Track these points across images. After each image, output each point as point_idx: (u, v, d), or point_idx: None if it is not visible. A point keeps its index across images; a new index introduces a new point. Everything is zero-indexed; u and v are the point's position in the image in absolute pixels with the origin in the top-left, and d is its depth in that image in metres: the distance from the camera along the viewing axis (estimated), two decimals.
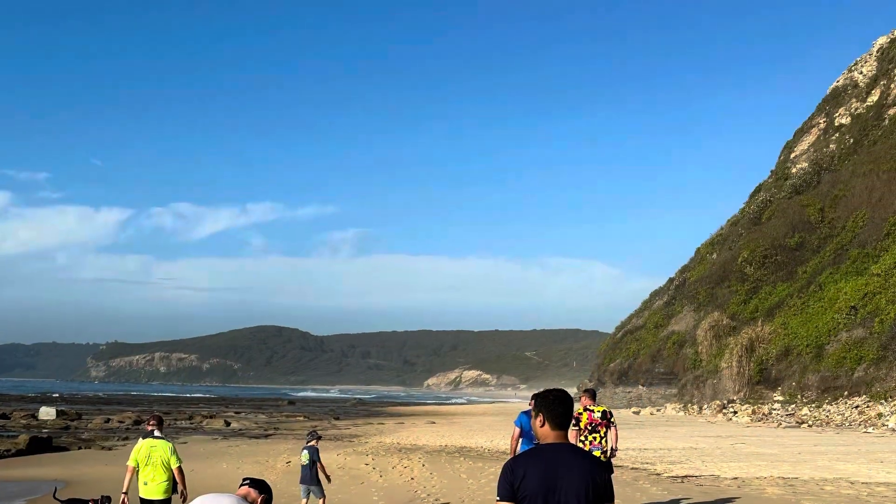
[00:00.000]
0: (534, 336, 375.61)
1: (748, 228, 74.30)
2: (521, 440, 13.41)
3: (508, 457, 13.09)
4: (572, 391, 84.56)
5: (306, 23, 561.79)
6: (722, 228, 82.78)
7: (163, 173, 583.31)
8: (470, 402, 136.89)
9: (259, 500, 5.45)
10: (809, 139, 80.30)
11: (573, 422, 12.52)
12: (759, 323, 58.59)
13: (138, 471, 10.81)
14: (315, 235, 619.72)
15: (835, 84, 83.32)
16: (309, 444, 14.89)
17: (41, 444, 31.50)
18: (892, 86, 72.11)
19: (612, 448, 13.48)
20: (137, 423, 48.09)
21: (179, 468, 10.80)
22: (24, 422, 48.68)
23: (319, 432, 16.82)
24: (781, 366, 54.21)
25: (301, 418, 61.87)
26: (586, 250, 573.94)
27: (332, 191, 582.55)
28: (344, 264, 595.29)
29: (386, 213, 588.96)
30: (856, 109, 76.22)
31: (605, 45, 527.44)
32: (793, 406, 48.84)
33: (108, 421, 50.26)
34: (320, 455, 15.02)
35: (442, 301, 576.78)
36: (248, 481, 5.51)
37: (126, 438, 37.48)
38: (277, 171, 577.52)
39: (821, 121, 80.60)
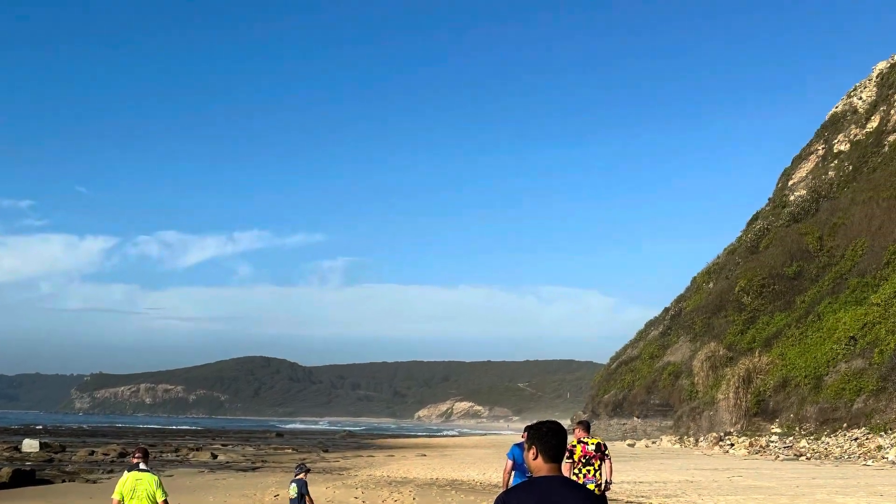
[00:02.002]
0: (527, 367, 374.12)
1: (745, 257, 73.95)
2: (513, 473, 13.33)
3: (501, 490, 13.14)
4: (566, 423, 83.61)
5: (294, 49, 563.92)
6: (719, 257, 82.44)
7: (148, 201, 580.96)
8: (461, 435, 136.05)
9: None
10: (808, 166, 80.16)
11: (567, 454, 12.55)
12: (757, 353, 58.15)
13: None
14: (303, 264, 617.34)
15: (834, 110, 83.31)
16: (297, 477, 14.72)
17: (24, 478, 31.29)
18: (892, 112, 71.92)
19: (606, 481, 13.46)
20: (122, 455, 47.97)
21: (165, 501, 10.65)
22: (6, 454, 48.23)
23: (308, 465, 16.61)
24: (779, 397, 53.73)
25: (289, 451, 61.35)
26: (581, 279, 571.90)
27: (321, 219, 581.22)
28: (333, 294, 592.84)
29: (376, 242, 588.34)
30: (855, 136, 76.10)
31: (598, 70, 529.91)
32: (791, 438, 48.56)
33: (92, 453, 50.03)
34: (309, 488, 15.02)
35: (433, 331, 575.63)
36: None
37: (111, 471, 37.16)
38: (265, 199, 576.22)
39: (819, 147, 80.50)
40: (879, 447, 40.75)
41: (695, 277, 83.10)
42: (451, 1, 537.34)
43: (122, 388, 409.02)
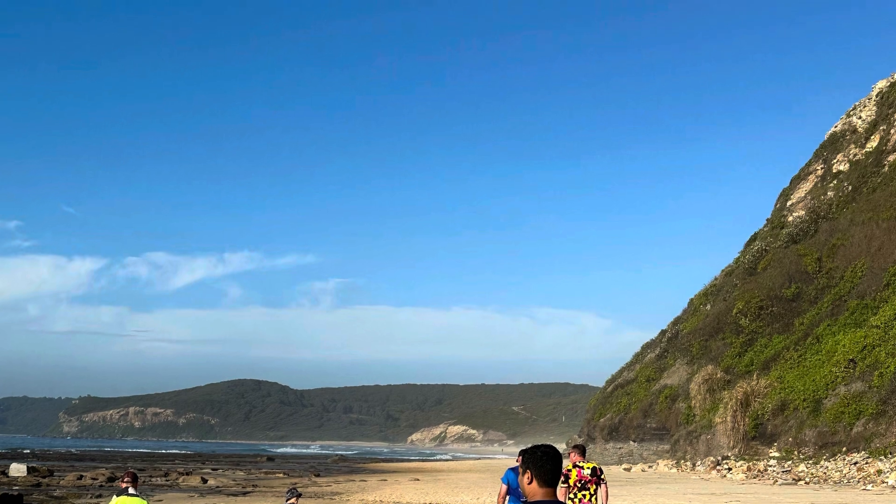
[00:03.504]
0: (521, 390, 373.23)
1: (743, 279, 73.58)
2: (508, 498, 13.35)
3: None
4: (561, 447, 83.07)
5: (285, 69, 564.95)
6: (716, 279, 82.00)
7: (137, 221, 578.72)
8: (455, 459, 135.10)
9: None
10: (806, 186, 79.91)
11: (562, 479, 12.73)
12: (755, 376, 57.74)
13: None
14: (295, 286, 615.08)
15: (833, 129, 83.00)
16: (288, 502, 14.74)
17: (12, 502, 31.08)
18: (892, 131, 71.61)
19: None
20: (111, 479, 48.25)
21: None
22: None
23: (299, 490, 16.22)
24: (777, 421, 53.29)
25: (280, 475, 60.95)
26: (576, 301, 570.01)
27: (312, 240, 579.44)
28: (325, 316, 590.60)
29: (368, 263, 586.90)
30: (854, 156, 75.82)
31: (594, 90, 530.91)
32: (789, 462, 48.23)
33: (81, 478, 50.29)
34: None
35: (426, 354, 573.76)
36: None
37: (100, 496, 37.35)
38: (255, 220, 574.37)
39: (818, 167, 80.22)
40: (879, 471, 40.41)
41: (692, 299, 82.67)
42: (444, 21, 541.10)
43: (111, 411, 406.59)
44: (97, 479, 48.63)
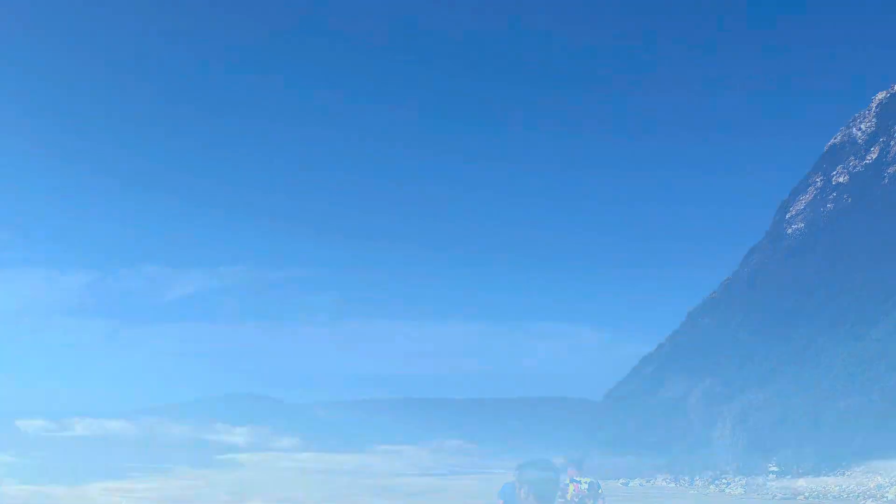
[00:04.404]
0: (519, 403, 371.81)
1: (742, 291, 73.37)
2: None
3: None
4: (558, 461, 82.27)
5: (280, 78, 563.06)
6: (715, 292, 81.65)
7: (131, 234, 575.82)
8: (452, 473, 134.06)
9: None
10: (806, 198, 79.56)
11: (559, 493, 12.64)
12: (754, 390, 57.45)
13: None
14: (291, 299, 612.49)
15: (832, 141, 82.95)
16: None
17: None
18: (892, 143, 71.74)
19: None
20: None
21: None
22: None
23: None
24: (776, 434, 53.02)
25: None
26: (574, 314, 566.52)
27: (308, 252, 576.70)
28: (321, 329, 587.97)
29: (364, 276, 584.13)
30: (854, 168, 75.70)
31: (590, 98, 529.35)
32: (788, 477, 48.04)
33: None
34: None
35: (423, 367, 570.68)
36: None
37: None
38: (250, 232, 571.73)
39: (818, 179, 80.00)
40: (878, 485, 40.19)
41: (691, 312, 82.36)
42: (445, 29, 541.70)
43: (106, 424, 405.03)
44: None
